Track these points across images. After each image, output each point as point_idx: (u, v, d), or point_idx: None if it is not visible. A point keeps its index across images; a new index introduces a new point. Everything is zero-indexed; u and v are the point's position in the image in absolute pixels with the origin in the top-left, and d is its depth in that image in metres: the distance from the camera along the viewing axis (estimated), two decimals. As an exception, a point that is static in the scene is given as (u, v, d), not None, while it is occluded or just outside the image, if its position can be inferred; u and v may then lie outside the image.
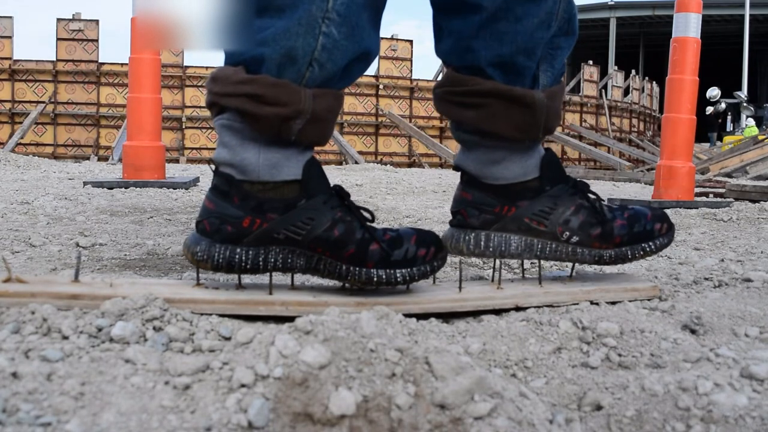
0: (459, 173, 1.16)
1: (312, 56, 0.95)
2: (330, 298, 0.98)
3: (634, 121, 16.63)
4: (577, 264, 1.15)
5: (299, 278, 1.30)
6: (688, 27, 3.51)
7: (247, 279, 1.28)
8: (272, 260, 0.98)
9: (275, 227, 0.97)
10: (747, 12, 24.34)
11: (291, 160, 0.99)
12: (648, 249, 1.13)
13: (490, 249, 1.11)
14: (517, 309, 1.05)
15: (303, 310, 0.95)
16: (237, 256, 0.97)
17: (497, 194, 1.11)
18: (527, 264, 1.38)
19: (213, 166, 1.00)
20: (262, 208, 0.97)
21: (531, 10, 1.04)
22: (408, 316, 0.94)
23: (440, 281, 1.15)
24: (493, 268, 1.16)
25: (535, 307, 1.05)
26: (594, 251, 1.10)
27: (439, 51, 1.12)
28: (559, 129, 11.92)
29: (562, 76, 1.15)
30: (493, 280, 1.14)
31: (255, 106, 0.94)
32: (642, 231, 1.13)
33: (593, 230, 1.10)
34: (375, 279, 0.99)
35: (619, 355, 0.89)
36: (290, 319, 0.84)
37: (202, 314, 0.91)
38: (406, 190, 4.27)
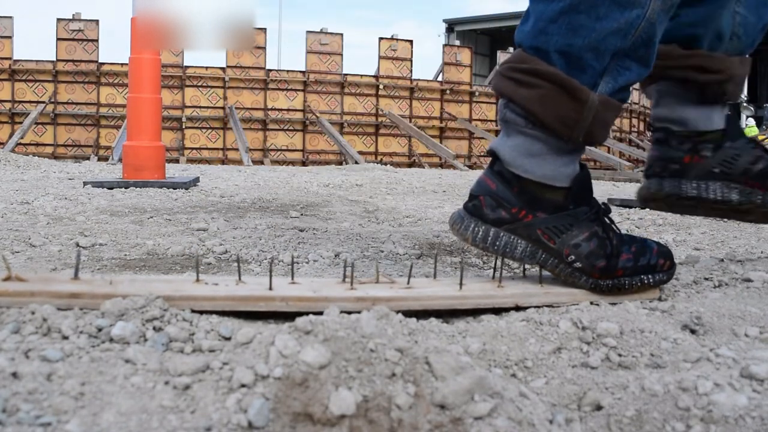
0: (489, 159, 1.17)
1: (732, 31, 1.27)
2: (330, 293, 0.98)
3: (634, 121, 16.63)
4: None
5: (300, 274, 1.30)
6: (688, 27, 3.51)
7: (246, 277, 1.27)
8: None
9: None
10: (747, 12, 24.26)
11: (713, 116, 1.31)
12: (646, 281, 1.13)
13: (495, 246, 1.12)
14: (517, 309, 1.05)
15: (303, 306, 0.95)
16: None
17: (520, 193, 1.12)
18: (527, 264, 1.39)
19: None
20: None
21: (614, 14, 1.06)
22: (408, 313, 0.94)
23: (440, 279, 1.15)
24: (494, 266, 1.17)
25: (535, 306, 1.05)
26: (591, 280, 1.11)
27: (518, 32, 1.14)
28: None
29: (622, 101, 1.16)
30: (494, 278, 1.14)
31: (698, 74, 1.26)
32: (646, 264, 1.13)
33: (598, 262, 1.10)
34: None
35: (619, 355, 0.89)
36: (290, 317, 0.84)
37: (202, 313, 0.91)
38: (406, 190, 4.27)
